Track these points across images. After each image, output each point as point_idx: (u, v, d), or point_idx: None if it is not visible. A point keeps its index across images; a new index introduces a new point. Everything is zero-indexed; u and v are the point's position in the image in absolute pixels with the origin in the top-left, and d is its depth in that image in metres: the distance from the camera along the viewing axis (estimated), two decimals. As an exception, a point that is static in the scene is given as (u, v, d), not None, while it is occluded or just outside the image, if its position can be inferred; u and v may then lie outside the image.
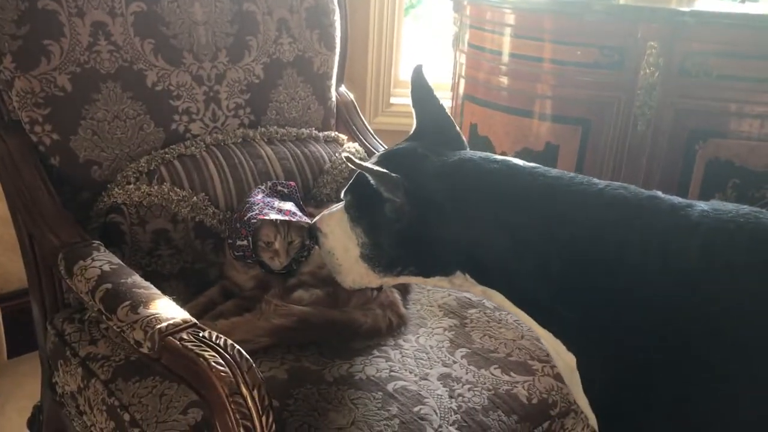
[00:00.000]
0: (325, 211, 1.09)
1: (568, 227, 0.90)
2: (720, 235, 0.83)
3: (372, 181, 0.95)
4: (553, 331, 0.95)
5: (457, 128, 1.08)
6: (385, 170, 0.94)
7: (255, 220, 1.22)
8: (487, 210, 0.93)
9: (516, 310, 0.97)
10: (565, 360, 0.95)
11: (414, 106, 1.09)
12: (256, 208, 1.25)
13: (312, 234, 1.11)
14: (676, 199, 0.89)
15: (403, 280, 1.05)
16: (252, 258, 1.26)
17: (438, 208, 0.94)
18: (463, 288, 1.02)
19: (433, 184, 0.95)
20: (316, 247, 1.29)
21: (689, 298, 0.83)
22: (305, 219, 1.25)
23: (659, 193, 0.90)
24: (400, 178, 0.93)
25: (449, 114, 1.09)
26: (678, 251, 0.84)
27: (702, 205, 0.87)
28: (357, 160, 0.94)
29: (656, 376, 0.86)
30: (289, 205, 1.28)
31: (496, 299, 0.98)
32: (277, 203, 1.28)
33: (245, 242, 1.23)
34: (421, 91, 1.09)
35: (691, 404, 0.85)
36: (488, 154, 1.00)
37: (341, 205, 1.06)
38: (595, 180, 0.94)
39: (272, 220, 1.22)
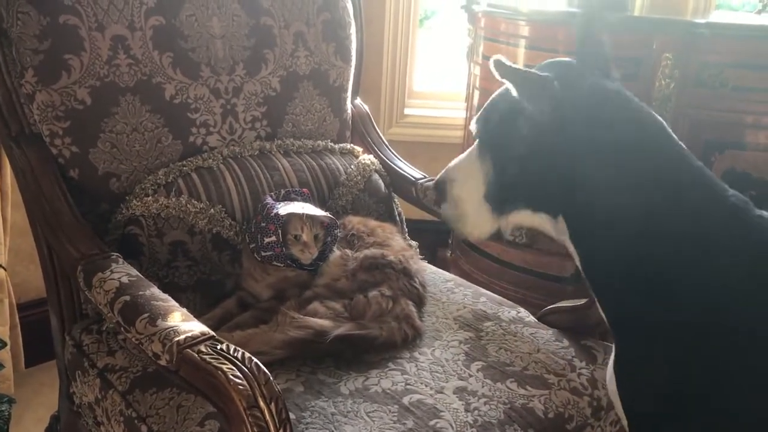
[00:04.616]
0: (451, 163, 1.11)
1: (683, 222, 0.88)
2: None
3: (514, 91, 0.92)
4: (607, 318, 0.95)
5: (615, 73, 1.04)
6: (534, 71, 0.92)
7: (283, 214, 1.24)
8: (616, 155, 0.91)
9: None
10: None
11: (579, 42, 1.04)
12: (277, 206, 1.28)
13: (439, 187, 1.11)
14: None
15: (513, 219, 1.04)
16: (281, 254, 1.27)
17: (573, 128, 0.91)
18: (561, 239, 1.01)
19: (581, 100, 0.92)
20: (333, 255, 1.32)
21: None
22: (326, 214, 1.29)
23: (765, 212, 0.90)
24: (550, 77, 0.91)
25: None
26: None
27: None
28: (507, 63, 0.91)
29: (697, 386, 0.85)
30: (306, 204, 1.32)
31: (576, 260, 0.99)
32: (293, 203, 1.32)
33: (273, 237, 1.25)
34: (589, 30, 1.04)
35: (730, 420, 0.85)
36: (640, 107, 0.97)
37: (466, 153, 1.07)
38: (724, 185, 0.92)
39: (298, 213, 1.25)
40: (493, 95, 1.01)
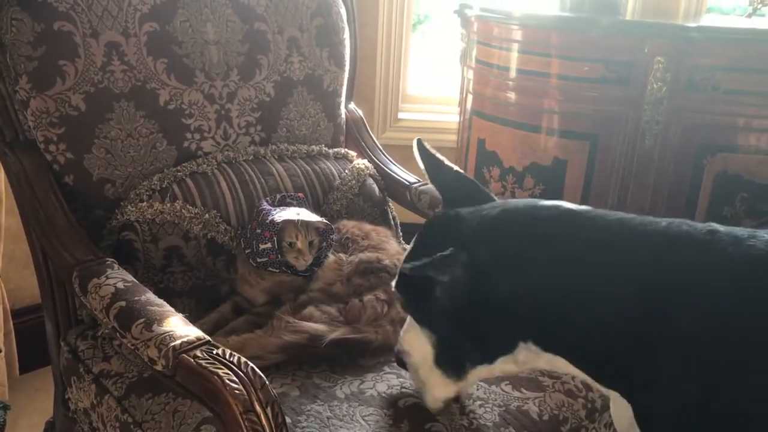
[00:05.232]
0: (402, 330, 1.08)
1: (637, 272, 0.85)
2: None
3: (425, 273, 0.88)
4: (619, 389, 0.90)
5: (481, 187, 1.05)
6: (433, 259, 0.87)
7: (278, 221, 1.24)
8: (547, 263, 0.88)
9: (580, 374, 0.93)
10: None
11: (433, 181, 1.07)
12: (273, 212, 1.28)
13: (399, 360, 1.07)
14: (739, 230, 0.85)
15: (473, 379, 1.01)
16: (276, 260, 1.27)
17: (491, 269, 0.89)
18: (527, 365, 0.97)
19: (480, 244, 0.89)
20: (328, 260, 1.32)
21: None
22: (321, 219, 1.29)
23: (716, 225, 0.87)
24: (453, 251, 0.87)
25: (467, 175, 1.06)
26: (750, 286, 0.81)
27: (765, 235, 0.83)
28: (406, 266, 0.87)
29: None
30: (302, 210, 1.32)
31: (559, 365, 0.94)
32: (289, 209, 1.32)
33: (269, 244, 1.26)
34: (432, 163, 1.07)
35: None
36: (532, 201, 0.97)
37: (409, 318, 1.03)
38: (656, 219, 0.89)
39: (293, 220, 1.25)
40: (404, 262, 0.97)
